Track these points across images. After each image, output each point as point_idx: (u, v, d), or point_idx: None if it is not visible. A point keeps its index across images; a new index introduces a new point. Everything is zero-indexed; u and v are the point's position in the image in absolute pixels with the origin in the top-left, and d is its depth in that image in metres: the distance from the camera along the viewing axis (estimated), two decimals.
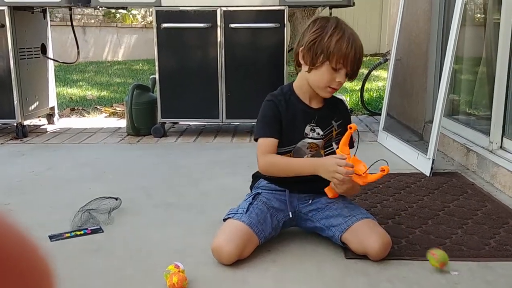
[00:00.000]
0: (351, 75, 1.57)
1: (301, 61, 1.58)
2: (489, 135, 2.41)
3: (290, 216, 1.62)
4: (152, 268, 1.47)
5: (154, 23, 3.12)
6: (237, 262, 1.50)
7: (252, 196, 1.65)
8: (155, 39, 3.14)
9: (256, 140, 1.62)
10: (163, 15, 3.10)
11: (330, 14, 3.52)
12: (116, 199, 1.99)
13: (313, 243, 1.64)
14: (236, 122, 3.56)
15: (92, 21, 9.07)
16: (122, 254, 1.59)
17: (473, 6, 3.23)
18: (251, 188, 1.76)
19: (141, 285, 1.39)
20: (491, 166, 2.26)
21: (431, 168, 2.35)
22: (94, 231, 1.75)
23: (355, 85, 5.31)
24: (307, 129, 1.63)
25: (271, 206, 1.62)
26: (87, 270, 1.49)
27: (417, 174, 2.39)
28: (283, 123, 1.60)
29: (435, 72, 3.07)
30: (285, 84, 2.03)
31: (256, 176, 1.74)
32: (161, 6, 3.08)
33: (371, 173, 1.46)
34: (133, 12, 9.23)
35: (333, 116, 1.66)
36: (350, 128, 1.54)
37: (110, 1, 3.12)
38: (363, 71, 4.30)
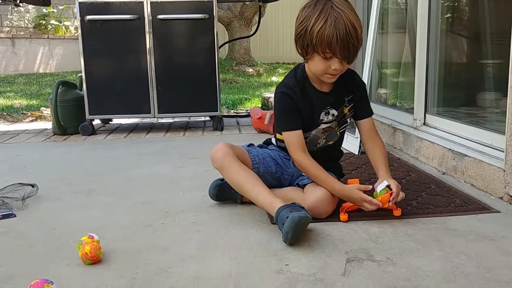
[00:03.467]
0: (348, 59, 1.45)
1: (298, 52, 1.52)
2: (413, 113, 2.49)
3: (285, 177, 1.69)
4: (65, 245, 1.38)
5: (78, 16, 3.01)
6: (160, 234, 1.44)
7: (258, 146, 1.75)
8: (80, 33, 3.02)
9: (280, 133, 1.60)
10: (86, 7, 3.00)
11: (260, 7, 3.55)
12: (33, 186, 1.87)
13: (240, 213, 1.61)
14: (170, 117, 3.48)
15: (22, 33, 8.69)
16: (34, 234, 1.48)
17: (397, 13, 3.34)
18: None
19: (51, 260, 1.29)
20: (415, 141, 2.32)
21: (359, 147, 2.38)
22: (5, 216, 1.63)
23: None
24: (322, 114, 1.60)
25: (274, 158, 1.68)
26: None
27: (346, 153, 2.40)
28: (301, 113, 1.56)
29: (362, 60, 3.15)
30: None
31: (267, 143, 1.79)
32: None
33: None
34: (66, 23, 8.93)
35: (346, 93, 1.62)
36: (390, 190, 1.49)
37: None
38: None
